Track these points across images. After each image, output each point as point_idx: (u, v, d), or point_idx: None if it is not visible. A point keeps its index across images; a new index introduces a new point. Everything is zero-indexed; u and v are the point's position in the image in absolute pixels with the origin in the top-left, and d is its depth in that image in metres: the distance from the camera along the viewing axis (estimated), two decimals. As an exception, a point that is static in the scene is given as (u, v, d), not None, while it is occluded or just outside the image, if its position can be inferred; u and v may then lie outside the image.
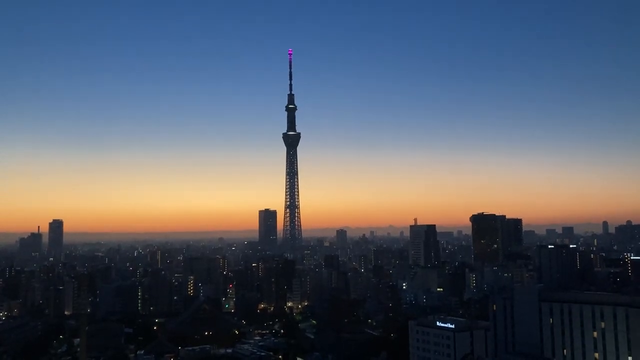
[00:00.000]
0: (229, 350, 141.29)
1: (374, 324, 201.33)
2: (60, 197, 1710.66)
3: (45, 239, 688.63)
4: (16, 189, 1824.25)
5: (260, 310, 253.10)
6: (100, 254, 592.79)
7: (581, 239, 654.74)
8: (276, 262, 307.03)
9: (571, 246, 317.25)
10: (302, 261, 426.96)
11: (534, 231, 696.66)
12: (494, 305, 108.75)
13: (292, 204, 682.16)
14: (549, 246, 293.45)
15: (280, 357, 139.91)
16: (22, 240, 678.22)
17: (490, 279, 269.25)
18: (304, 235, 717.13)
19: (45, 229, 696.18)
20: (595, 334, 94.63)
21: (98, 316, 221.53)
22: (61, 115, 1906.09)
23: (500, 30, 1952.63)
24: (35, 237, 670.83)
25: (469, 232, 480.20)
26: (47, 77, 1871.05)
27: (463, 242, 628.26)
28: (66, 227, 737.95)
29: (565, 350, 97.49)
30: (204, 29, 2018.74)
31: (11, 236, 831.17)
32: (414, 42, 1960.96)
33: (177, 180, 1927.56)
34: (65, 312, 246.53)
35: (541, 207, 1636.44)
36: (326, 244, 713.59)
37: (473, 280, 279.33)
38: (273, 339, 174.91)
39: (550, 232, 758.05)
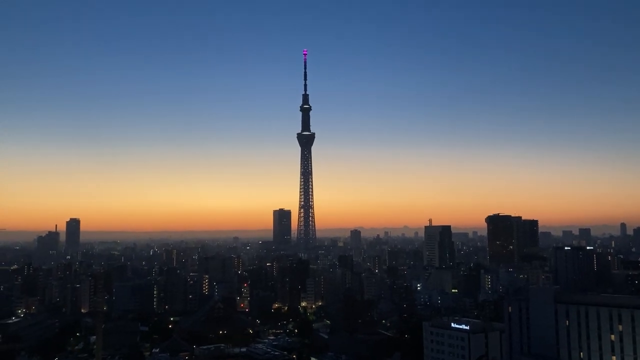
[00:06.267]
0: (243, 350, 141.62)
1: (388, 324, 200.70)
2: (77, 196, 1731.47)
3: (62, 238, 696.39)
4: (34, 188, 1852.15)
5: (274, 309, 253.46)
6: (116, 252, 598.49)
7: (598, 240, 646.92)
8: (290, 262, 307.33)
9: (588, 248, 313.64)
10: (316, 261, 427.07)
11: (550, 232, 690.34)
12: (509, 307, 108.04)
13: (306, 204, 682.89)
14: (566, 248, 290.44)
15: (294, 356, 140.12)
16: (39, 238, 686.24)
17: (505, 281, 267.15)
18: (318, 235, 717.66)
19: (62, 227, 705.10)
20: (612, 336, 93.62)
21: (114, 314, 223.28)
22: (78, 115, 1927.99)
23: (521, 28, 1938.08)
24: (53, 235, 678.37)
25: (484, 233, 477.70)
26: (65, 77, 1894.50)
27: (478, 243, 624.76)
28: (83, 226, 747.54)
29: (582, 353, 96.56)
30: (220, 30, 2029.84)
31: (29, 234, 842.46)
32: (428, 40, 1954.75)
33: (193, 179, 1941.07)
34: (82, 310, 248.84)
35: (558, 209, 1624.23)
36: (340, 244, 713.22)
37: (488, 281, 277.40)
38: (287, 338, 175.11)
39: (567, 233, 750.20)
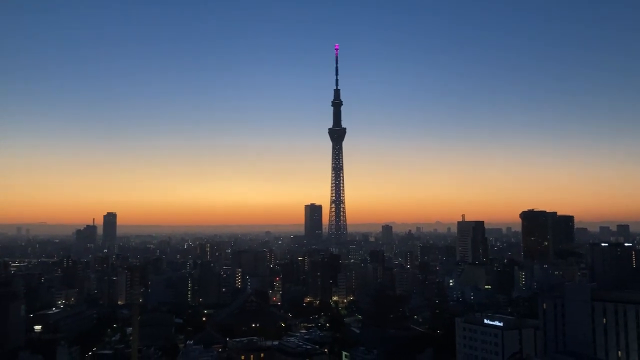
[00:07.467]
0: (276, 343, 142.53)
1: (420, 320, 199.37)
2: (114, 191, 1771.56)
3: (99, 231, 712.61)
4: (73, 183, 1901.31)
5: (305, 303, 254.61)
6: (151, 246, 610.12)
7: (637, 237, 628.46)
8: (322, 256, 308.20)
9: (626, 244, 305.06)
10: (347, 256, 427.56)
11: (586, 229, 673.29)
12: (544, 304, 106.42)
13: (337, 199, 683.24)
14: (603, 244, 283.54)
15: (325, 350, 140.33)
16: (78, 232, 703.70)
17: (540, 277, 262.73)
18: (349, 230, 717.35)
19: (100, 221, 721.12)
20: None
21: (149, 306, 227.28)
22: (116, 113, 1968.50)
23: (556, 21, 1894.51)
24: (91, 229, 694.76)
25: (519, 229, 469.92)
26: (104, 75, 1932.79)
27: (512, 239, 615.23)
28: (119, 220, 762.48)
29: (619, 352, 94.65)
30: (251, 25, 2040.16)
31: (68, 228, 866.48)
32: (461, 34, 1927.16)
33: (227, 175, 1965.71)
34: (119, 302, 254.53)
35: (594, 204, 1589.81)
36: (371, 239, 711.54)
37: (522, 278, 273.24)
38: (318, 332, 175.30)
39: (604, 229, 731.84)
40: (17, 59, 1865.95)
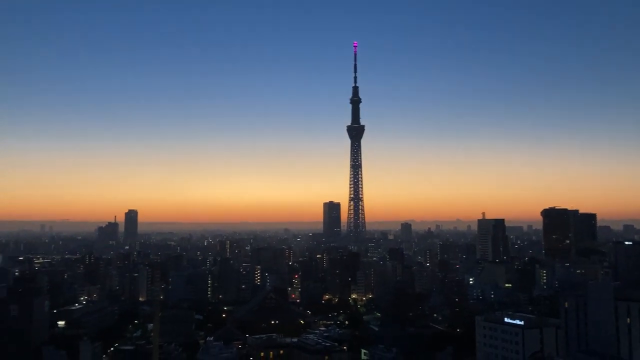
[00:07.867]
0: (295, 340, 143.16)
1: (440, 318, 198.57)
2: (135, 188, 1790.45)
3: (121, 228, 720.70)
4: (95, 180, 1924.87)
5: (324, 301, 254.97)
6: (172, 243, 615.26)
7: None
8: (340, 254, 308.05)
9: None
10: (366, 254, 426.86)
11: (609, 227, 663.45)
12: (566, 303, 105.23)
13: (356, 197, 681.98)
14: (626, 242, 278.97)
15: (344, 347, 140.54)
16: (100, 229, 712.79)
17: (561, 276, 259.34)
18: (367, 228, 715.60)
19: (121, 218, 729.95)
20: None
21: (170, 303, 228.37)
22: (135, 111, 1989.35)
23: (584, 18, 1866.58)
24: (112, 226, 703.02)
25: (540, 226, 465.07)
26: (123, 72, 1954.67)
27: (533, 237, 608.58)
28: (141, 217, 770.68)
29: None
30: (268, 22, 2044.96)
31: (90, 225, 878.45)
32: (478, 33, 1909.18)
33: (246, 172, 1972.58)
34: (140, 298, 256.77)
35: (618, 202, 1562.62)
36: (390, 237, 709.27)
37: (543, 276, 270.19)
38: (337, 329, 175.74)
39: (628, 227, 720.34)
40: (33, 58, 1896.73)
